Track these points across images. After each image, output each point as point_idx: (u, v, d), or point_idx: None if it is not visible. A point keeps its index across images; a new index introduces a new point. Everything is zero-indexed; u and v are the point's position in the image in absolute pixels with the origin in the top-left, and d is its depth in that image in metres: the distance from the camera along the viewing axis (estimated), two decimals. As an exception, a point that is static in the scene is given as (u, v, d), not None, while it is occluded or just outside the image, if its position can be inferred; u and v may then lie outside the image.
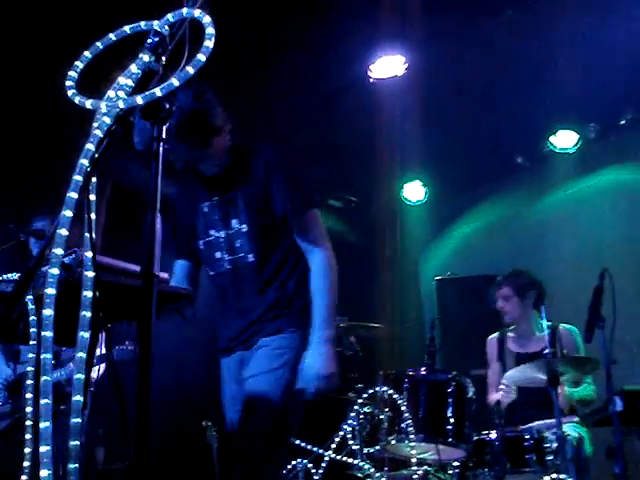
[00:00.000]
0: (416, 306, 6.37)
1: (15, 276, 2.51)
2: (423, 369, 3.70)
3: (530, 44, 5.22)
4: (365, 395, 3.72)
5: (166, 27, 1.55)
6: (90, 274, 1.45)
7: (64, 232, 1.30)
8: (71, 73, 1.55)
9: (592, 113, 5.88)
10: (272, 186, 2.65)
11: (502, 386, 4.02)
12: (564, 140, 6.10)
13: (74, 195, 1.30)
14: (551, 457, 3.63)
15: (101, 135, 1.38)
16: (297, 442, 3.78)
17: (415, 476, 3.52)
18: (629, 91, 5.54)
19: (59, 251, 1.35)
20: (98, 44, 1.62)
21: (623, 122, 5.82)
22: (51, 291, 1.33)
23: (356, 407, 3.72)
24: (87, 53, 1.60)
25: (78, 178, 1.32)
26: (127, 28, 1.64)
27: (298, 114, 5.82)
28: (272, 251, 2.71)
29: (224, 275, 2.76)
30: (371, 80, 5.51)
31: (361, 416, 3.77)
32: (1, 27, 4.47)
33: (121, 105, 1.40)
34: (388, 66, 5.36)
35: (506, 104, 5.68)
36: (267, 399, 2.51)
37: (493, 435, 3.72)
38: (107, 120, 1.40)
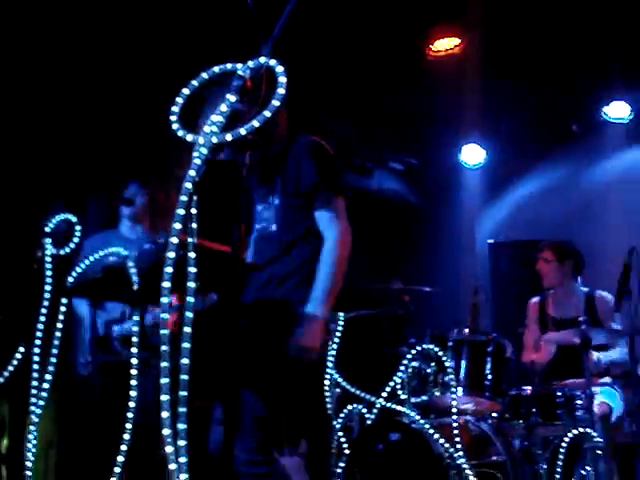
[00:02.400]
0: (471, 269, 6.69)
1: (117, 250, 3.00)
2: (466, 330, 4.13)
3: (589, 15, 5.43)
4: (414, 351, 4.15)
5: (247, 72, 1.98)
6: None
7: (175, 240, 1.77)
8: (174, 108, 2.00)
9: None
10: (301, 160, 2.81)
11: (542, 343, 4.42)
12: (617, 110, 6.31)
13: (181, 212, 1.77)
14: (580, 413, 4.04)
15: (200, 163, 1.84)
16: (353, 390, 4.26)
17: (456, 424, 3.92)
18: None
19: (175, 240, 1.82)
20: (194, 82, 2.07)
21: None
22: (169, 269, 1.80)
23: (405, 362, 4.15)
24: (185, 90, 2.04)
25: (184, 198, 1.78)
26: (216, 68, 2.08)
27: (361, 80, 6.12)
28: (294, 225, 2.85)
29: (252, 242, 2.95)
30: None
31: (410, 370, 4.21)
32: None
33: (214, 140, 1.85)
34: (446, 42, 5.64)
35: (564, 73, 5.93)
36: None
37: (528, 391, 4.14)
38: (204, 151, 1.86)
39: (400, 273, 5.13)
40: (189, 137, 1.90)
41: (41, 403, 3.05)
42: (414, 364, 4.21)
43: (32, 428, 2.98)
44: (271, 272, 2.84)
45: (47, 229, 3.59)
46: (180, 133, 1.92)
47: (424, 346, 4.12)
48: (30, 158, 5.54)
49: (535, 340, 4.69)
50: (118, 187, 5.36)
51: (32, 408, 3.09)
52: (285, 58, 2.06)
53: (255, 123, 1.86)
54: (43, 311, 3.36)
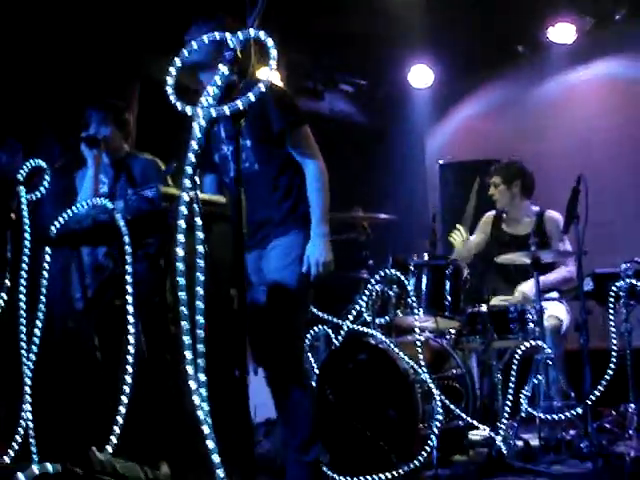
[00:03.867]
0: (422, 191, 6.93)
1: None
2: (426, 255, 4.39)
3: None
4: (377, 276, 4.39)
5: (237, 43, 2.09)
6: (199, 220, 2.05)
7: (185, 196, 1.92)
8: (169, 80, 2.11)
9: (589, 7, 6.26)
10: (269, 108, 3.13)
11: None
12: (562, 32, 6.50)
13: (187, 183, 1.92)
14: (531, 326, 4.37)
15: (200, 135, 1.98)
16: (318, 313, 4.51)
17: (417, 341, 4.21)
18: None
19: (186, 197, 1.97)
20: (184, 51, 2.18)
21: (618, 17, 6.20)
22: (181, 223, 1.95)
23: (369, 286, 4.39)
24: (177, 61, 2.15)
25: (188, 169, 1.93)
26: (205, 38, 2.19)
27: (310, 2, 6.14)
28: (273, 161, 3.23)
29: None
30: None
31: (373, 293, 4.46)
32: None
33: (213, 113, 1.99)
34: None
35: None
36: (285, 286, 3.16)
37: (483, 308, 4.44)
38: (203, 123, 1.99)
39: (357, 197, 5.31)
40: (188, 109, 2.03)
41: (33, 350, 3.18)
42: (377, 287, 4.43)
43: (28, 375, 3.11)
44: (267, 210, 3.20)
45: (19, 177, 3.64)
46: (178, 105, 2.04)
47: (387, 271, 4.36)
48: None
49: (473, 246, 5.08)
50: (73, 121, 5.30)
51: (24, 360, 3.21)
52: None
53: (251, 96, 1.99)
54: (25, 259, 3.46)
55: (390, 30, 6.56)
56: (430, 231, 4.42)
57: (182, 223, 1.94)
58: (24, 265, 3.46)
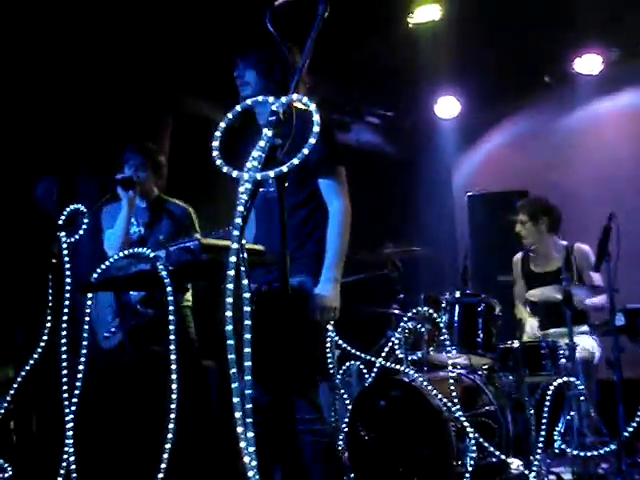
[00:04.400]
0: (449, 222, 6.96)
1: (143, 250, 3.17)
2: (458, 293, 4.44)
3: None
4: (409, 313, 4.44)
5: (281, 106, 2.16)
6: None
7: (231, 273, 1.98)
8: (215, 144, 2.18)
9: (615, 38, 6.30)
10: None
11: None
12: (588, 63, 6.54)
13: (235, 246, 1.98)
14: (563, 362, 4.39)
15: (246, 198, 2.04)
16: (350, 348, 4.54)
17: (451, 379, 4.22)
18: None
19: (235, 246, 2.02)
20: (229, 116, 2.25)
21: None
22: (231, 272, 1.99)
23: (402, 323, 4.44)
24: (222, 124, 2.22)
25: (235, 232, 2.00)
26: (249, 101, 2.27)
27: (336, 35, 6.21)
28: (298, 190, 3.10)
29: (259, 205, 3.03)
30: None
31: (406, 330, 4.50)
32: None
33: (258, 177, 2.05)
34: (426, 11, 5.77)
35: (536, 25, 6.11)
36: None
37: (515, 344, 4.47)
38: (248, 186, 2.06)
39: (383, 229, 5.39)
40: (234, 173, 2.09)
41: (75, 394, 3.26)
42: (409, 324, 4.48)
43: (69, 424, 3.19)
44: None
45: (60, 222, 3.74)
46: (225, 169, 2.11)
47: (419, 308, 4.40)
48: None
49: (522, 294, 5.04)
50: (108, 159, 5.39)
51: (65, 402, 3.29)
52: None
53: (295, 161, 2.06)
54: (66, 303, 3.55)
55: (416, 62, 6.63)
56: (462, 268, 4.47)
57: (231, 272, 1.99)
58: (65, 309, 3.55)
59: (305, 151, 2.07)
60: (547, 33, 6.15)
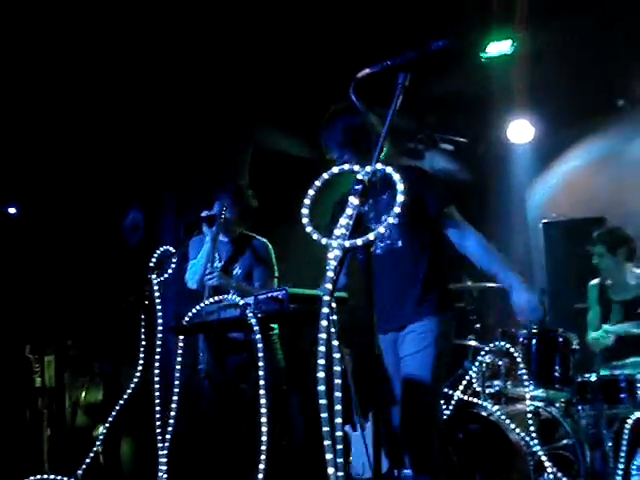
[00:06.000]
0: (524, 250, 6.93)
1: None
2: (535, 328, 4.49)
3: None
4: (487, 348, 4.52)
5: (367, 175, 2.30)
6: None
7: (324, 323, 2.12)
8: (304, 211, 2.33)
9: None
10: (425, 194, 3.38)
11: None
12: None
13: (326, 298, 2.13)
14: (642, 395, 4.38)
15: (335, 264, 2.19)
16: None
17: (530, 413, 4.28)
18: None
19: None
20: (317, 183, 2.40)
21: None
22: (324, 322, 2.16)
23: (479, 357, 4.52)
24: (311, 191, 2.38)
25: (327, 286, 2.15)
26: (336, 169, 2.41)
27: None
28: (418, 240, 3.40)
29: (377, 260, 3.24)
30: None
31: (484, 364, 4.59)
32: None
33: (347, 244, 2.20)
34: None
35: (609, 48, 6.11)
36: (421, 373, 3.28)
37: (593, 378, 4.49)
38: (338, 252, 2.20)
39: (460, 259, 5.37)
40: (323, 241, 2.24)
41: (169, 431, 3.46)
42: (487, 358, 4.56)
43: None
44: (406, 288, 3.39)
45: (151, 264, 3.96)
46: (315, 236, 2.25)
47: (496, 342, 4.48)
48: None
49: (597, 320, 5.04)
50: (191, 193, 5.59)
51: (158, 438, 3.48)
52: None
53: (381, 230, 2.20)
54: (159, 342, 3.76)
55: (489, 87, 6.69)
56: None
57: (324, 322, 2.12)
58: (158, 348, 3.77)
59: (390, 220, 2.20)
60: (620, 55, 6.14)
